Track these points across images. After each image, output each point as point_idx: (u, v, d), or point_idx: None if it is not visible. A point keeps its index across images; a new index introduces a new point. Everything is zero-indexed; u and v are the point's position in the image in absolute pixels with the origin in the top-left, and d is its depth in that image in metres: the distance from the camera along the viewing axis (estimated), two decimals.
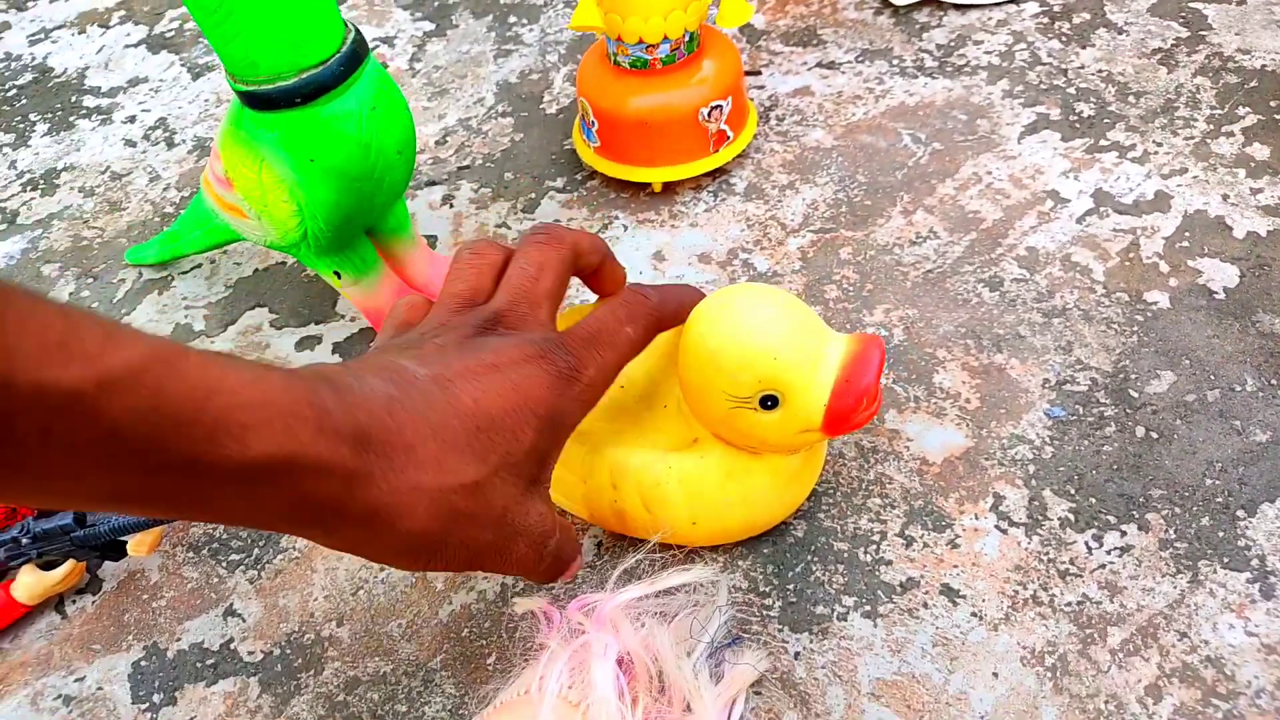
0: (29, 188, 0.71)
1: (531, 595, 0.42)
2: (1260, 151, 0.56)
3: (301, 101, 0.44)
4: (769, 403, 0.37)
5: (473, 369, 0.32)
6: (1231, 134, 0.57)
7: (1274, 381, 0.46)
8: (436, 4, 0.79)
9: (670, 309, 0.40)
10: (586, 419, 0.40)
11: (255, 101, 0.44)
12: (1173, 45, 0.63)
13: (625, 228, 0.59)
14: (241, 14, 0.41)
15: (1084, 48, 0.64)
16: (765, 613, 0.42)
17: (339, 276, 0.51)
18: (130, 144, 0.73)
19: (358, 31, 0.45)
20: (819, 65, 0.67)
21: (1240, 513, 0.42)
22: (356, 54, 0.45)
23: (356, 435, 0.29)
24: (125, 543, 0.44)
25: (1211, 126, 0.58)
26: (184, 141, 0.72)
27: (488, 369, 0.33)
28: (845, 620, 0.41)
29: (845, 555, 0.43)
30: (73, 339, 0.22)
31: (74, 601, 0.46)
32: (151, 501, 0.26)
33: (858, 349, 0.38)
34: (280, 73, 0.43)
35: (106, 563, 0.47)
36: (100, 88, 0.79)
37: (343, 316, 0.57)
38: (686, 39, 0.56)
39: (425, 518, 0.31)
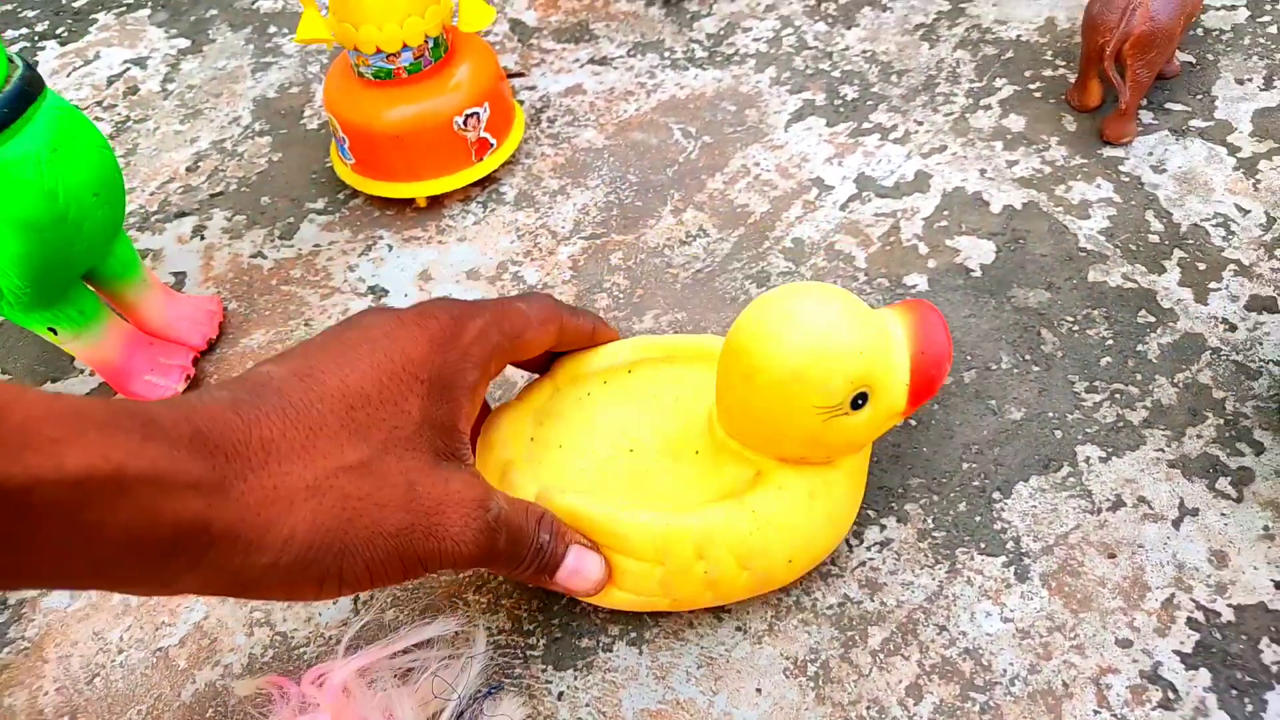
0: None
1: (260, 674, 0.39)
2: (1016, 123, 0.56)
3: None
4: (860, 401, 0.34)
5: (336, 352, 0.31)
6: (989, 107, 0.57)
7: (1027, 357, 0.46)
8: (193, 18, 0.74)
9: (572, 309, 0.39)
10: (624, 493, 0.37)
11: None
12: (934, 20, 0.64)
13: (390, 248, 0.55)
14: None
15: (849, 28, 0.64)
16: (529, 653, 0.39)
17: (55, 333, 0.46)
18: None
19: (28, 66, 0.41)
20: (591, 61, 0.65)
21: (996, 494, 0.42)
22: (26, 92, 0.40)
23: (195, 439, 0.25)
24: None
25: (970, 101, 0.58)
26: None
27: (353, 345, 0.31)
28: (611, 651, 0.39)
29: None
30: None
31: None
32: None
33: (915, 316, 0.35)
34: None
35: None
36: None
37: (82, 371, 0.53)
38: (430, 45, 0.53)
39: (308, 514, 0.27)
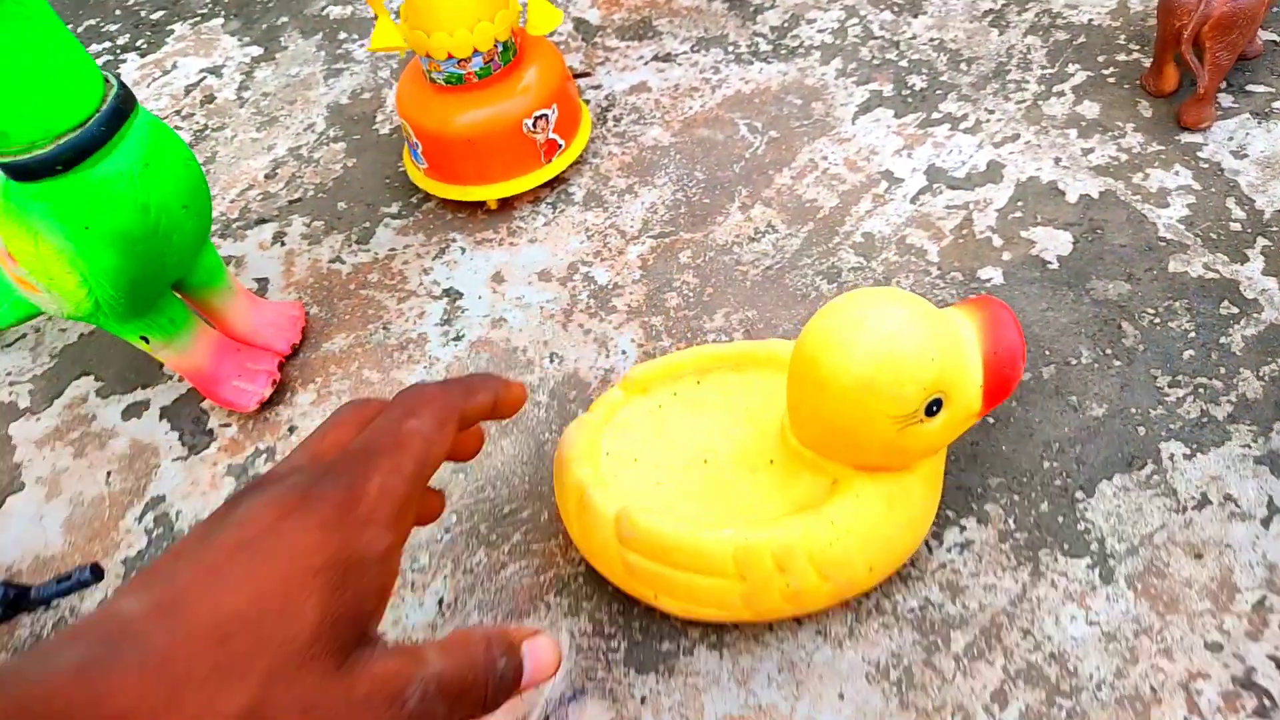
0: None
1: None
2: (1090, 109, 0.55)
3: (64, 169, 0.41)
4: (935, 408, 0.34)
5: (209, 566, 0.26)
6: (1062, 94, 0.56)
7: (1108, 351, 0.45)
8: (265, 26, 0.76)
9: (464, 391, 0.33)
10: (701, 506, 0.37)
11: (16, 173, 0.41)
12: (1004, 5, 0.62)
13: (463, 250, 0.56)
14: None
15: (915, 16, 0.63)
16: (610, 656, 0.40)
17: (147, 341, 0.48)
18: None
19: (121, 85, 0.42)
20: (655, 58, 0.65)
21: (1079, 494, 0.41)
22: (120, 110, 0.42)
23: None
24: None
25: (1043, 88, 0.57)
26: None
27: (228, 554, 0.26)
28: (691, 655, 0.40)
29: None
30: None
31: None
32: None
33: (986, 315, 0.35)
34: (34, 141, 0.40)
35: None
36: None
37: (170, 378, 0.54)
38: (500, 49, 0.53)
39: None
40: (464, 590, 0.43)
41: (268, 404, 0.51)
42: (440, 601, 0.43)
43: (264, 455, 0.50)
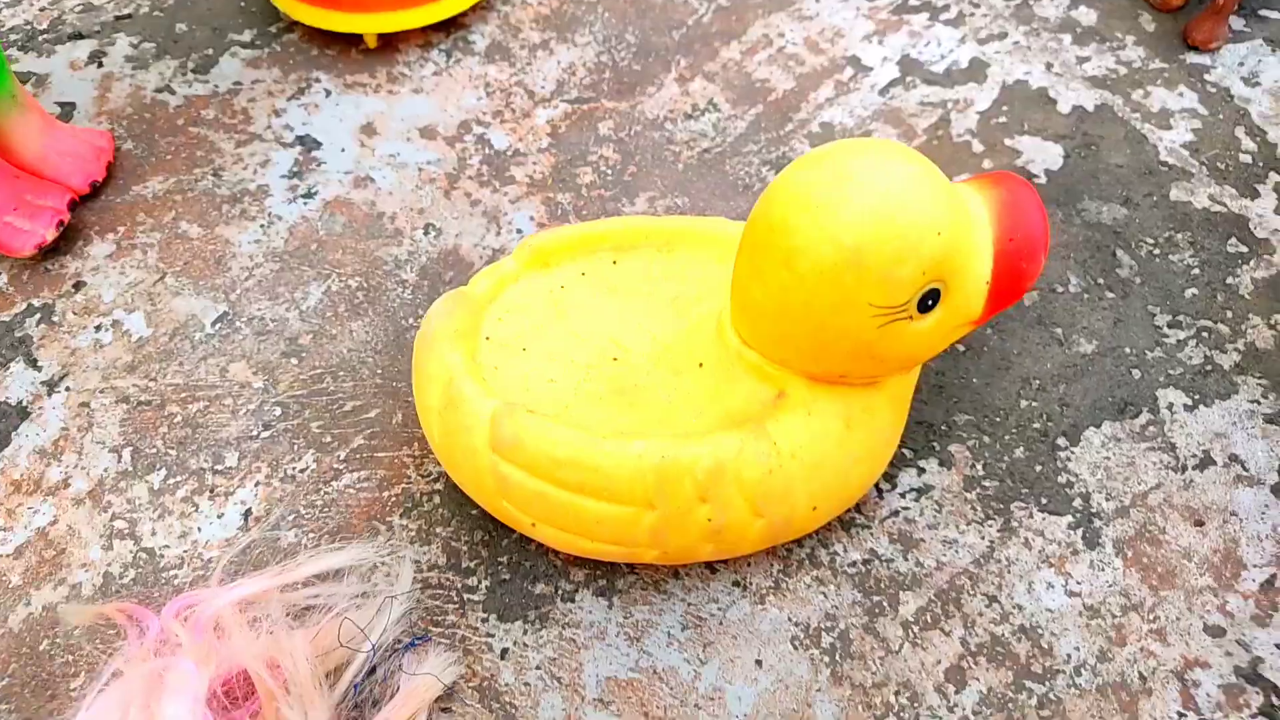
0: None
1: (117, 599, 0.30)
2: (1086, 16, 0.48)
3: None
4: (930, 301, 0.26)
5: None
6: None
7: (1100, 281, 0.38)
8: None
9: None
10: (608, 413, 0.29)
11: None
12: None
13: (328, 93, 0.45)
14: None
15: None
16: (466, 597, 0.31)
17: None
18: None
19: None
20: None
21: (1061, 441, 0.34)
22: None
23: None
24: None
25: None
26: None
27: None
28: (572, 601, 0.31)
29: None
30: None
31: None
32: None
33: (1003, 193, 0.26)
34: None
35: None
36: None
37: None
38: None
39: None
40: (279, 501, 0.33)
41: (51, 251, 0.40)
42: (246, 513, 0.33)
43: (38, 315, 0.38)
